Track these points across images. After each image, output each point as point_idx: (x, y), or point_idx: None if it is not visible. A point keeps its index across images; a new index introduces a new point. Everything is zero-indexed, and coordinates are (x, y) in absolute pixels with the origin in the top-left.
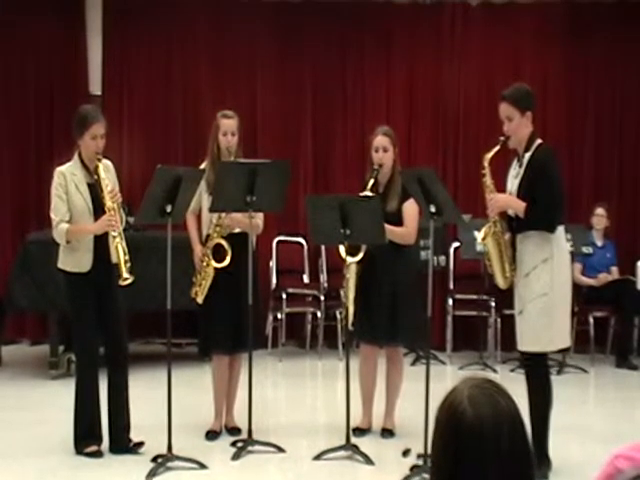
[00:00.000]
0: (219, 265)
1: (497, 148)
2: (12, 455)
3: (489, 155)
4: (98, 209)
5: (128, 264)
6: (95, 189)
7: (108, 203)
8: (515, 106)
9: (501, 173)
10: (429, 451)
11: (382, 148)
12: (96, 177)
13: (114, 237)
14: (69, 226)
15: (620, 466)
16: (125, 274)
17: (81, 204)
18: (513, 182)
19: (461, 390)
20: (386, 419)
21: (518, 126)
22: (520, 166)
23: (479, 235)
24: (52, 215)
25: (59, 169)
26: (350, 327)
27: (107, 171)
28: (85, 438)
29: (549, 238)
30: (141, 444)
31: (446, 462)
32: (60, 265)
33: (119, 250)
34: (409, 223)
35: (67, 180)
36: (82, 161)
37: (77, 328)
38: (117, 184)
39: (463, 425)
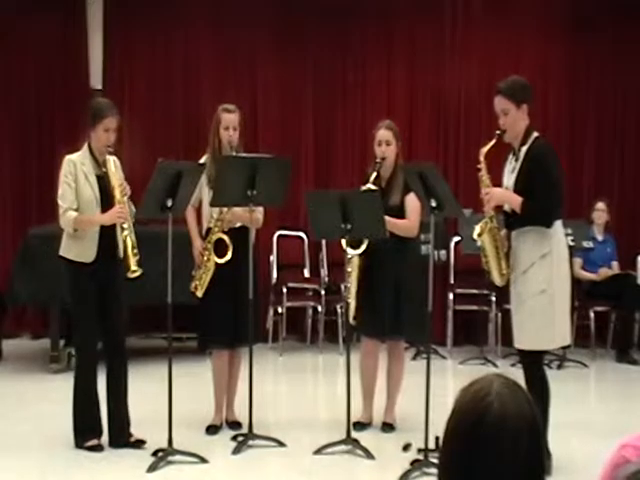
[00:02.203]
0: (220, 260)
1: (493, 142)
2: (13, 449)
3: (485, 149)
4: (105, 201)
5: (137, 257)
6: (103, 181)
7: (118, 196)
8: (511, 99)
9: (498, 168)
10: (430, 445)
11: (385, 142)
12: (104, 170)
13: (123, 229)
14: (77, 214)
15: (627, 455)
16: (133, 266)
17: (89, 194)
18: (510, 177)
19: (490, 382)
20: (387, 413)
21: (514, 119)
22: (516, 160)
23: (475, 231)
24: (60, 202)
25: (69, 157)
26: (352, 321)
27: (115, 167)
28: (85, 432)
29: (547, 233)
30: (143, 442)
31: (459, 450)
32: (62, 253)
33: (128, 243)
34: (411, 216)
35: (77, 169)
36: (91, 152)
37: (77, 320)
38: (123, 179)
39: (486, 418)
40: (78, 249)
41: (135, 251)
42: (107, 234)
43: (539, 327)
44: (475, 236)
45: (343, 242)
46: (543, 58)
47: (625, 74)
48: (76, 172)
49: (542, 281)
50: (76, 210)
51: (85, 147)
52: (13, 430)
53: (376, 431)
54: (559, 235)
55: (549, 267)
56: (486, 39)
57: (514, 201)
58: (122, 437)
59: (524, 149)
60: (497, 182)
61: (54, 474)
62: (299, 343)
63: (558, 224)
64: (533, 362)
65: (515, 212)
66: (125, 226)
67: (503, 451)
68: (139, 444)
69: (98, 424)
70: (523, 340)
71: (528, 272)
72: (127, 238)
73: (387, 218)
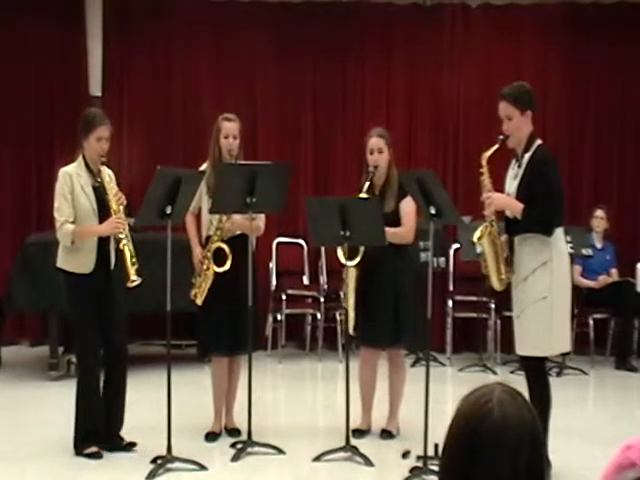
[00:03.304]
0: (219, 269)
1: (496, 147)
2: (11, 456)
3: (487, 154)
4: (102, 211)
5: (135, 266)
6: (99, 191)
7: (114, 206)
8: (515, 105)
9: (500, 173)
10: (429, 453)
11: (377, 150)
12: (100, 180)
13: (121, 239)
14: (75, 227)
15: (633, 457)
16: (133, 276)
17: (86, 205)
18: (512, 183)
19: (492, 389)
20: (389, 422)
21: (518, 125)
22: (519, 167)
23: (475, 234)
24: (56, 215)
25: (64, 169)
26: (351, 332)
27: (110, 179)
28: (85, 439)
29: (548, 241)
30: (134, 444)
31: (460, 455)
32: (60, 265)
33: (126, 252)
34: (407, 221)
35: (73, 181)
36: (86, 163)
37: (78, 329)
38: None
39: (487, 423)
40: (77, 261)
41: (134, 260)
42: (105, 243)
43: (538, 333)
44: (475, 239)
45: (340, 255)
46: (542, 65)
47: (624, 79)
48: (72, 184)
49: (543, 288)
50: (73, 222)
51: (80, 158)
52: (12, 437)
53: (375, 438)
54: (560, 243)
55: (549, 274)
56: (485, 47)
57: (515, 207)
58: (115, 442)
59: (527, 156)
60: (499, 187)
61: None
62: (298, 350)
63: (559, 232)
64: (535, 369)
65: (517, 218)
66: (122, 236)
67: (503, 457)
68: (131, 446)
69: (99, 432)
70: (523, 346)
71: (529, 279)
72: (125, 248)
73: (385, 229)
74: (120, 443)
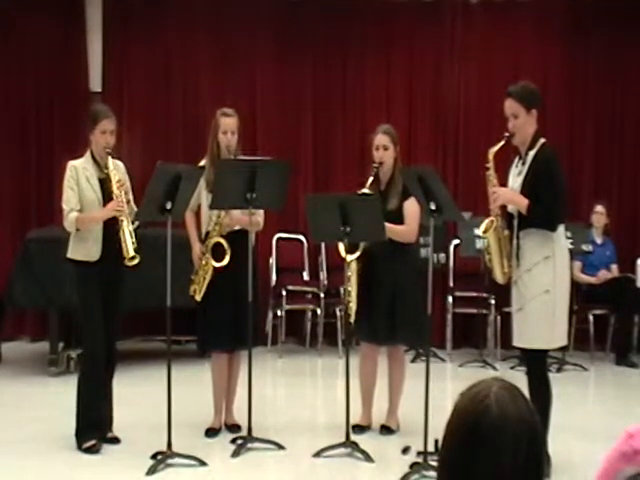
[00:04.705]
0: (218, 264)
1: (502, 143)
2: (11, 452)
3: (494, 149)
4: (108, 201)
5: (134, 245)
6: (106, 183)
7: (115, 191)
8: (521, 103)
9: (502, 171)
10: (429, 448)
11: (382, 146)
12: (106, 171)
13: (121, 221)
14: (78, 214)
15: (636, 446)
16: (131, 252)
17: (91, 196)
18: (515, 180)
19: (489, 385)
20: (389, 418)
21: (523, 123)
22: (523, 164)
23: (480, 228)
24: (64, 206)
25: (71, 163)
26: (351, 321)
27: (117, 169)
28: (87, 433)
29: (551, 236)
30: (118, 440)
31: (459, 452)
32: (69, 255)
33: (125, 232)
34: (410, 221)
35: (79, 173)
36: (93, 157)
37: (85, 320)
38: (128, 181)
39: (485, 420)
40: (84, 249)
41: (133, 240)
42: (111, 232)
43: (540, 327)
44: (480, 233)
45: (341, 248)
46: (542, 62)
47: (623, 77)
48: (78, 176)
49: (546, 282)
50: (79, 211)
51: (87, 153)
52: (12, 433)
53: (375, 434)
54: (562, 239)
55: (552, 269)
56: (485, 43)
57: (520, 202)
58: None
59: (531, 153)
60: (501, 184)
61: (53, 477)
62: (298, 346)
63: (561, 228)
64: (536, 363)
65: (521, 214)
66: (122, 218)
67: (502, 453)
68: (115, 441)
69: (101, 425)
70: (524, 339)
71: (532, 272)
72: (125, 229)
73: (386, 224)
74: (105, 434)
